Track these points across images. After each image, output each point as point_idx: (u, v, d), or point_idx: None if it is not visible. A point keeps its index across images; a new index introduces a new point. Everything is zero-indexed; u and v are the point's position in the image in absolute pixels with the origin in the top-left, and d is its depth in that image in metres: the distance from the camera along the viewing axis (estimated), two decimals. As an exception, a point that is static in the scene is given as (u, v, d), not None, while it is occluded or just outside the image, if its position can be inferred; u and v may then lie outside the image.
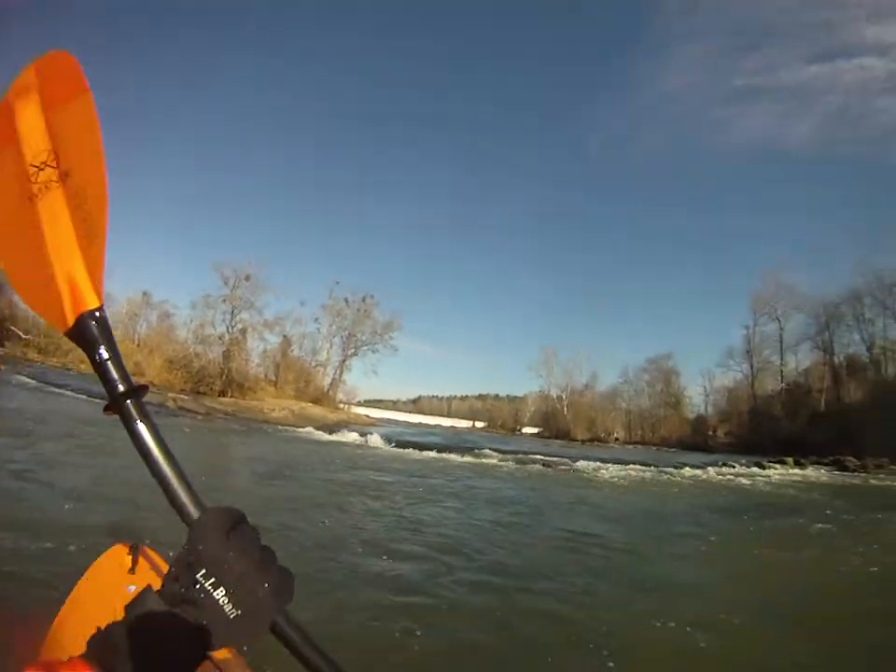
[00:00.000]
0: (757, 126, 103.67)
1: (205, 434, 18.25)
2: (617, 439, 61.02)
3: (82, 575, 1.91)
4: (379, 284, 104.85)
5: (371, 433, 25.43)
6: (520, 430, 73.75)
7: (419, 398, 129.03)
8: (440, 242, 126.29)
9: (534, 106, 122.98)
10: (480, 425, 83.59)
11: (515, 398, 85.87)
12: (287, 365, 58.91)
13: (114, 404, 0.84)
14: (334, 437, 24.52)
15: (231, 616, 0.67)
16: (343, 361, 63.43)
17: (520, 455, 23.32)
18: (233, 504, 0.75)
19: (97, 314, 0.89)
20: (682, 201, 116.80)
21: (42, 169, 0.93)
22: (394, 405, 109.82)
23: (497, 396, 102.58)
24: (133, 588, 1.62)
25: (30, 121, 0.97)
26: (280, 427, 26.12)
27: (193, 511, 0.78)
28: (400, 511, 9.74)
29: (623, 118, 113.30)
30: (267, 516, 7.64)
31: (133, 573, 1.92)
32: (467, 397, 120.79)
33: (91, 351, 0.88)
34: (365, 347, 63.12)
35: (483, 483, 15.14)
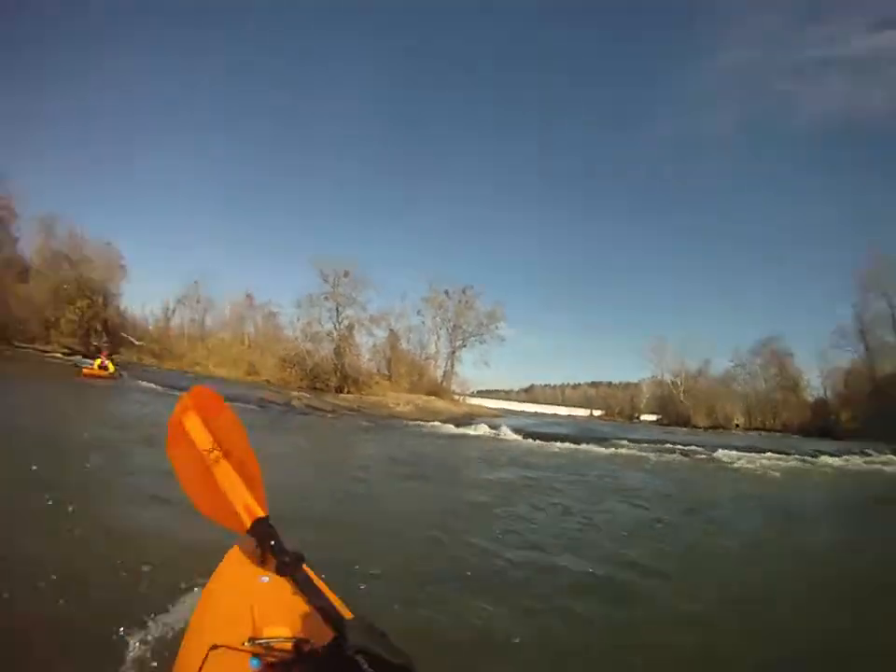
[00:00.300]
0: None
1: (339, 432, 17.49)
2: (738, 425, 57.31)
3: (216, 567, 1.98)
4: (478, 276, 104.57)
5: (501, 425, 24.38)
6: (638, 418, 70.29)
7: (531, 386, 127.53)
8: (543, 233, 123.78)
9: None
10: (597, 413, 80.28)
11: (629, 384, 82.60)
12: (397, 358, 58.17)
13: (284, 568, 1.48)
14: (464, 430, 23.26)
15: None
16: (453, 353, 62.23)
17: (655, 445, 21.95)
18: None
19: (264, 519, 1.60)
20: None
21: (211, 452, 1.70)
22: (507, 395, 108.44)
23: (609, 383, 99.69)
24: (266, 578, 1.81)
25: (195, 428, 1.76)
26: (407, 421, 25.19)
27: (345, 626, 1.09)
28: (583, 512, 8.72)
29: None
30: (448, 526, 6.77)
31: (264, 563, 1.98)
32: (579, 384, 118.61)
33: (263, 540, 1.60)
34: (472, 338, 61.60)
35: (638, 476, 13.93)
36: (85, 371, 24.35)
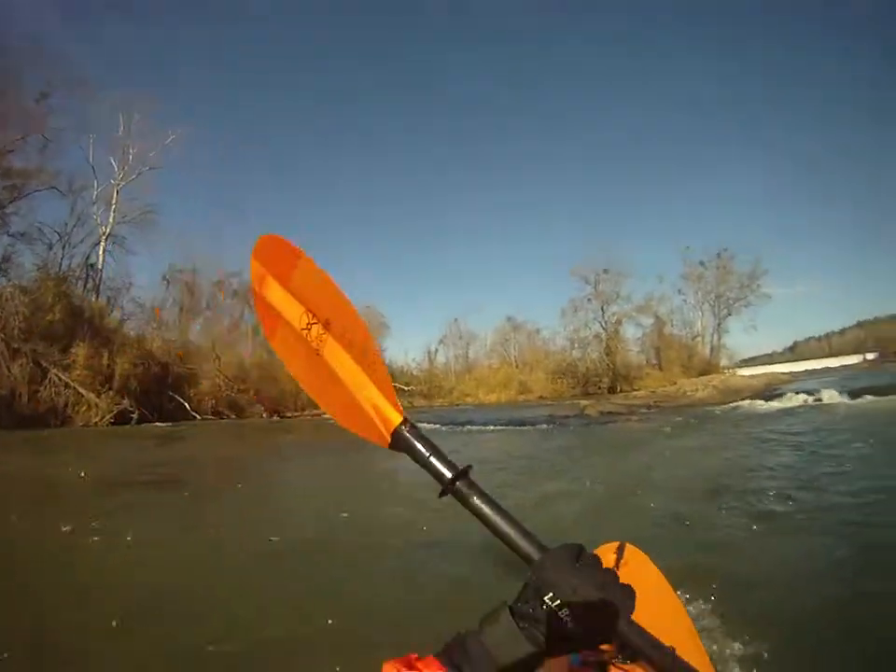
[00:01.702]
0: None
1: (663, 435, 16.12)
2: None
3: None
4: (730, 237, 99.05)
5: (818, 390, 21.99)
6: None
7: (794, 344, 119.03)
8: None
9: None
10: (870, 356, 73.55)
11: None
12: (666, 344, 56.40)
13: (446, 488, 0.98)
14: (782, 403, 20.31)
15: (572, 631, 0.77)
16: (719, 325, 59.44)
17: None
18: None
19: (403, 426, 1.05)
20: None
21: (309, 329, 1.16)
22: (770, 358, 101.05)
23: (875, 319, 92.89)
24: None
25: (280, 298, 1.21)
26: (714, 406, 23.34)
27: (535, 553, 0.88)
28: None
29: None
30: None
31: (619, 570, 1.50)
32: (844, 329, 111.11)
33: (412, 454, 1.03)
34: (737, 303, 58.41)
35: None
36: None
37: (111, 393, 29.76)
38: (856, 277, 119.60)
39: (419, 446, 1.02)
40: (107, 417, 28.64)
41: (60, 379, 28.80)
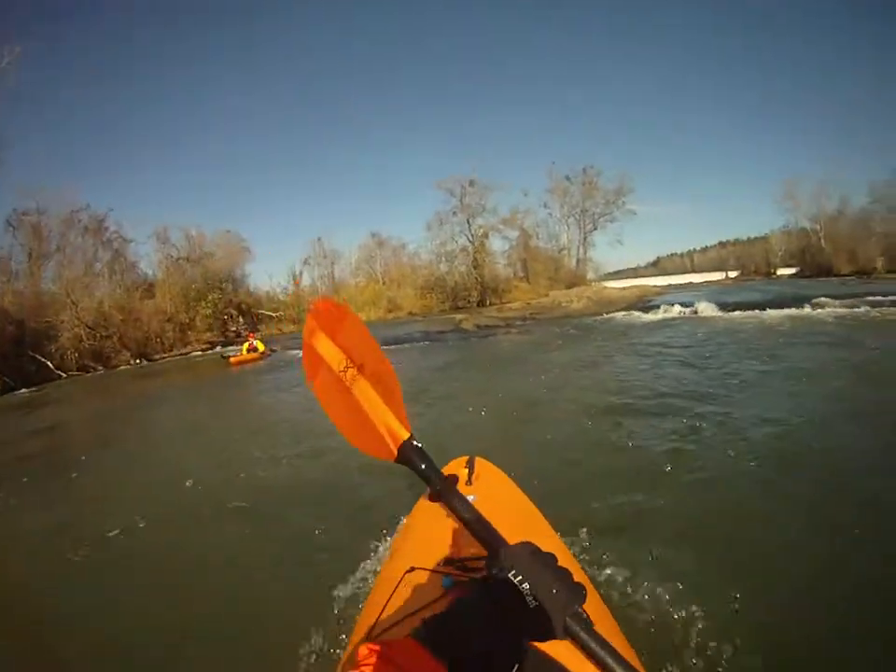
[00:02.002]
0: None
1: (544, 347, 15.33)
2: (875, 269, 51.72)
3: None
4: (596, 155, 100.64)
5: (692, 303, 22.29)
6: (774, 273, 66.61)
7: (657, 259, 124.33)
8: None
9: None
10: (732, 274, 78.04)
11: (757, 239, 78.49)
12: (532, 257, 57.20)
13: (436, 494, 1.23)
14: (658, 315, 21.23)
15: (532, 606, 0.84)
16: (585, 239, 61.31)
17: (832, 300, 19.22)
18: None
19: (409, 441, 1.29)
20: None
21: (346, 371, 1.40)
22: (635, 272, 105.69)
23: (736, 240, 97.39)
24: (472, 497, 1.55)
25: (325, 347, 1.46)
26: (589, 317, 23.18)
27: (501, 545, 1.05)
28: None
29: None
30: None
31: (471, 483, 2.34)
32: (706, 248, 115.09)
33: (414, 466, 1.27)
34: (602, 218, 60.52)
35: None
36: (233, 359, 22.59)
37: None
38: (720, 201, 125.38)
39: (419, 461, 1.27)
40: None
41: None
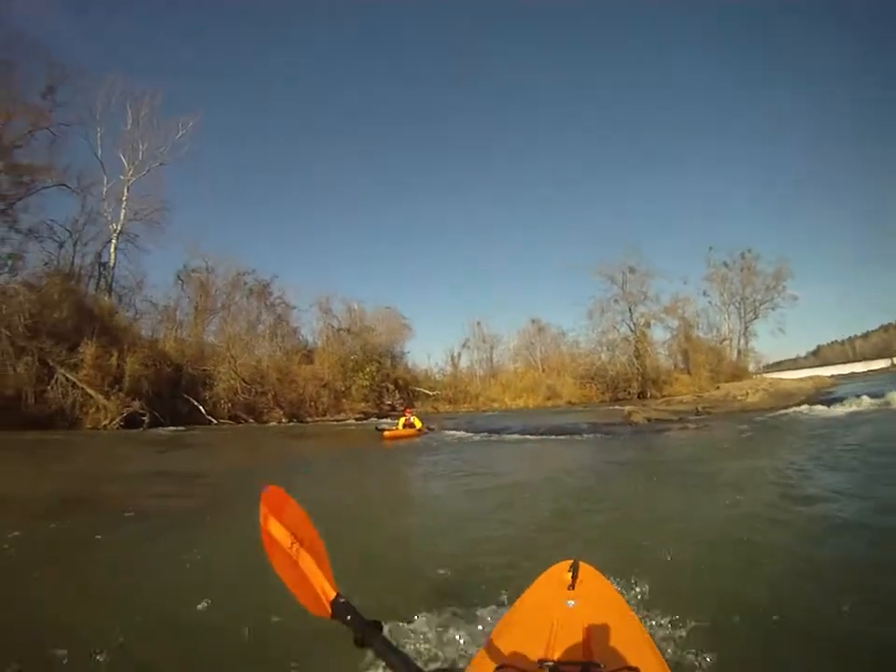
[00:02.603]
0: None
1: (732, 448, 13.26)
2: None
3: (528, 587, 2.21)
4: (754, 237, 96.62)
5: (882, 393, 19.67)
6: None
7: (818, 348, 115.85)
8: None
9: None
10: None
11: None
12: (694, 348, 54.10)
13: (360, 641, 1.47)
14: (847, 409, 18.60)
15: None
16: (745, 329, 57.65)
17: None
18: None
19: (337, 597, 1.59)
20: None
21: (292, 546, 1.70)
22: (795, 363, 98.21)
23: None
24: (572, 603, 2.04)
25: (276, 530, 1.73)
26: (769, 412, 20.58)
27: None
28: None
29: None
30: None
31: (573, 588, 2.30)
32: (868, 333, 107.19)
33: (342, 618, 1.55)
34: (763, 306, 56.62)
35: None
36: (388, 433, 21.29)
37: (121, 395, 28.45)
38: (879, 280, 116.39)
39: (349, 615, 1.55)
40: (117, 420, 27.48)
41: (67, 379, 27.65)
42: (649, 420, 20.88)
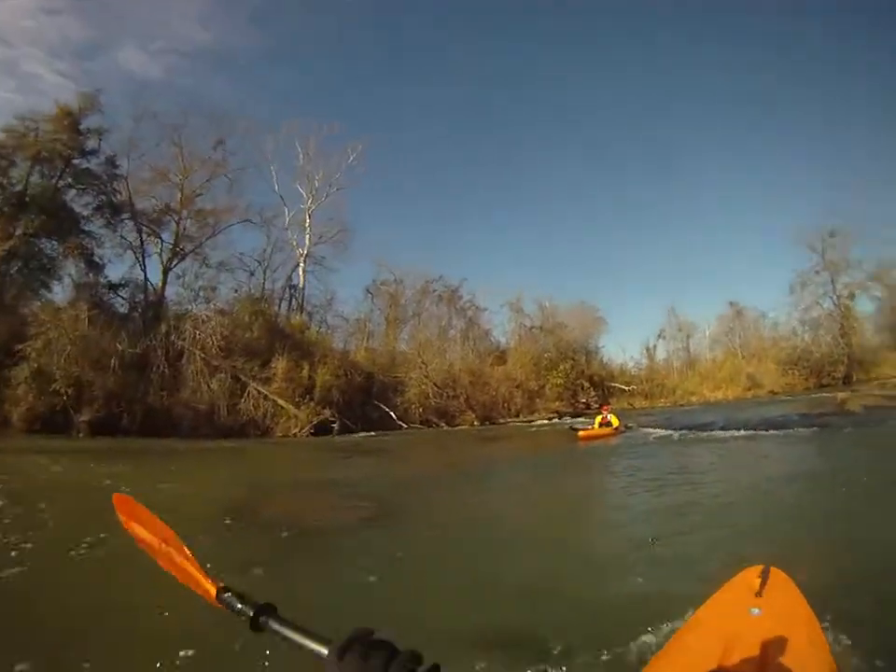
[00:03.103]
0: None
1: None
2: None
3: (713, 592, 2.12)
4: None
5: None
6: None
7: None
8: None
9: None
10: None
11: None
12: (908, 319, 47.93)
13: (255, 624, 1.33)
14: None
15: None
16: None
17: None
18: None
19: (222, 590, 1.46)
20: None
21: (160, 545, 1.66)
22: None
23: None
24: (756, 611, 1.97)
25: (139, 531, 1.73)
26: None
27: (323, 649, 1.11)
28: None
29: None
30: None
31: (761, 595, 2.21)
32: None
33: (232, 609, 1.41)
34: None
35: None
36: (582, 432, 20.45)
37: (311, 404, 29.72)
38: None
39: (238, 601, 1.41)
40: (307, 428, 28.68)
41: (259, 392, 29.44)
42: (866, 408, 18.64)
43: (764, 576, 2.37)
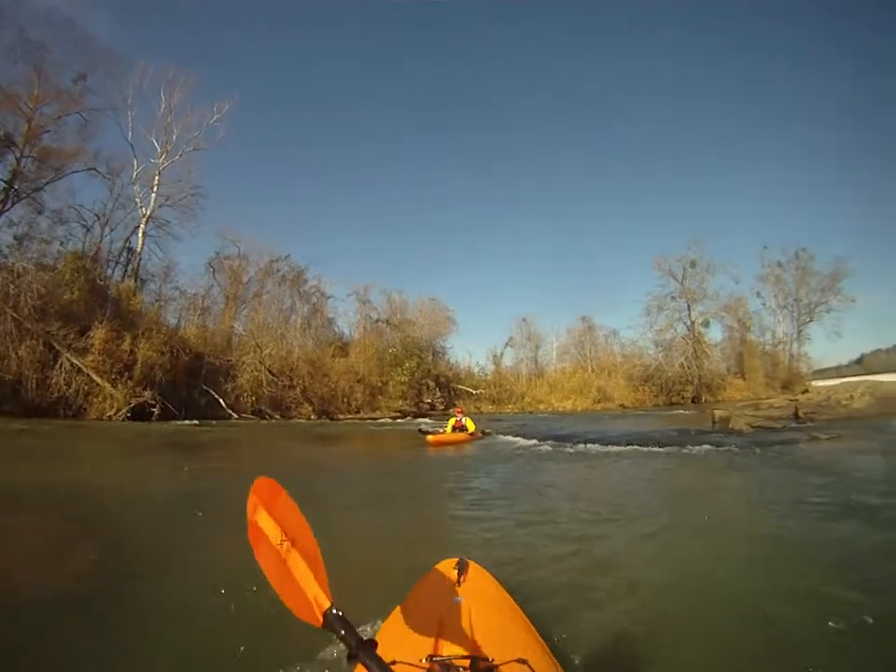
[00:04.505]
0: None
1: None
2: None
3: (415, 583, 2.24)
4: (810, 235, 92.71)
5: None
6: None
7: (861, 356, 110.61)
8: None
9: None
10: None
11: None
12: (749, 352, 52.00)
13: (353, 656, 1.38)
14: None
15: None
16: (800, 333, 55.12)
17: None
18: None
19: (330, 609, 1.47)
20: None
21: (282, 544, 1.64)
22: (838, 371, 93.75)
23: None
24: (459, 599, 2.09)
25: (266, 523, 1.71)
26: (885, 420, 17.99)
27: None
28: None
29: None
30: None
31: (460, 585, 2.36)
32: None
33: (335, 630, 1.44)
34: (818, 308, 53.78)
35: None
36: (432, 437, 17.36)
37: (130, 383, 26.23)
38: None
39: (341, 627, 1.44)
40: (123, 410, 25.33)
41: (72, 364, 25.55)
42: (752, 427, 17.29)
43: (461, 567, 2.47)
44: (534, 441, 16.51)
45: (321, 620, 1.46)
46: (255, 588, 3.71)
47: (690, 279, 49.34)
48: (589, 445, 15.09)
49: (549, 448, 15.05)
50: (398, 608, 2.19)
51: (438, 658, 1.66)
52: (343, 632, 1.41)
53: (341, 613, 1.45)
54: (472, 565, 2.58)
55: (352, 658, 1.37)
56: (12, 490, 8.29)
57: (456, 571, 2.44)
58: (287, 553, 1.62)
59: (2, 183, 30.25)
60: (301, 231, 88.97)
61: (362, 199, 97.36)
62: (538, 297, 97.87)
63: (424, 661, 1.66)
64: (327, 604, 1.47)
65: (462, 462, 13.90)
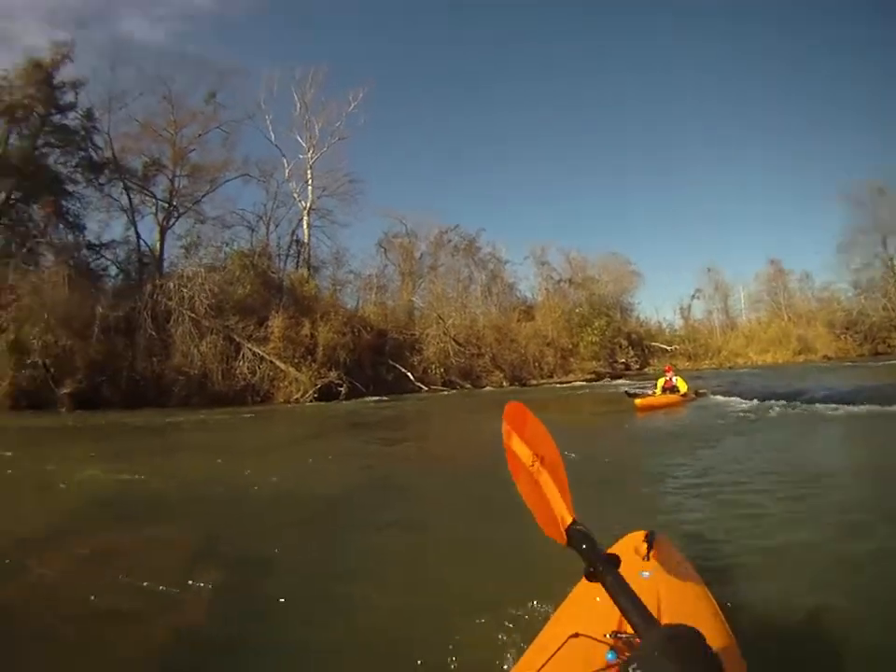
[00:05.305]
0: None
1: None
2: None
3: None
4: None
5: None
6: None
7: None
8: None
9: None
10: None
11: None
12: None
13: (592, 574, 1.34)
14: None
15: None
16: None
17: None
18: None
19: (574, 524, 1.47)
20: None
21: (533, 464, 1.69)
22: None
23: None
24: (647, 574, 1.93)
25: (518, 447, 1.78)
26: None
27: (650, 634, 1.07)
28: None
29: None
30: None
31: (648, 559, 2.14)
32: None
33: (577, 546, 1.41)
34: None
35: None
36: (640, 401, 15.45)
37: (314, 365, 26.89)
38: None
39: (583, 542, 1.41)
40: (310, 392, 25.73)
41: (254, 353, 26.81)
42: None
43: (649, 540, 2.23)
44: (755, 402, 14.19)
45: (564, 535, 1.46)
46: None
47: (881, 209, 43.74)
48: (824, 405, 12.40)
49: (780, 409, 12.63)
50: (582, 578, 1.70)
51: (622, 634, 1.45)
52: (584, 546, 1.39)
53: (582, 528, 1.45)
54: (662, 538, 2.38)
55: (591, 576, 1.33)
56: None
57: (646, 545, 2.21)
58: (537, 472, 1.67)
59: (162, 203, 32.73)
60: (463, 202, 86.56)
61: (526, 155, 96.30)
62: (721, 241, 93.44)
63: (608, 636, 1.47)
64: (569, 519, 1.49)
65: (677, 428, 12.09)
